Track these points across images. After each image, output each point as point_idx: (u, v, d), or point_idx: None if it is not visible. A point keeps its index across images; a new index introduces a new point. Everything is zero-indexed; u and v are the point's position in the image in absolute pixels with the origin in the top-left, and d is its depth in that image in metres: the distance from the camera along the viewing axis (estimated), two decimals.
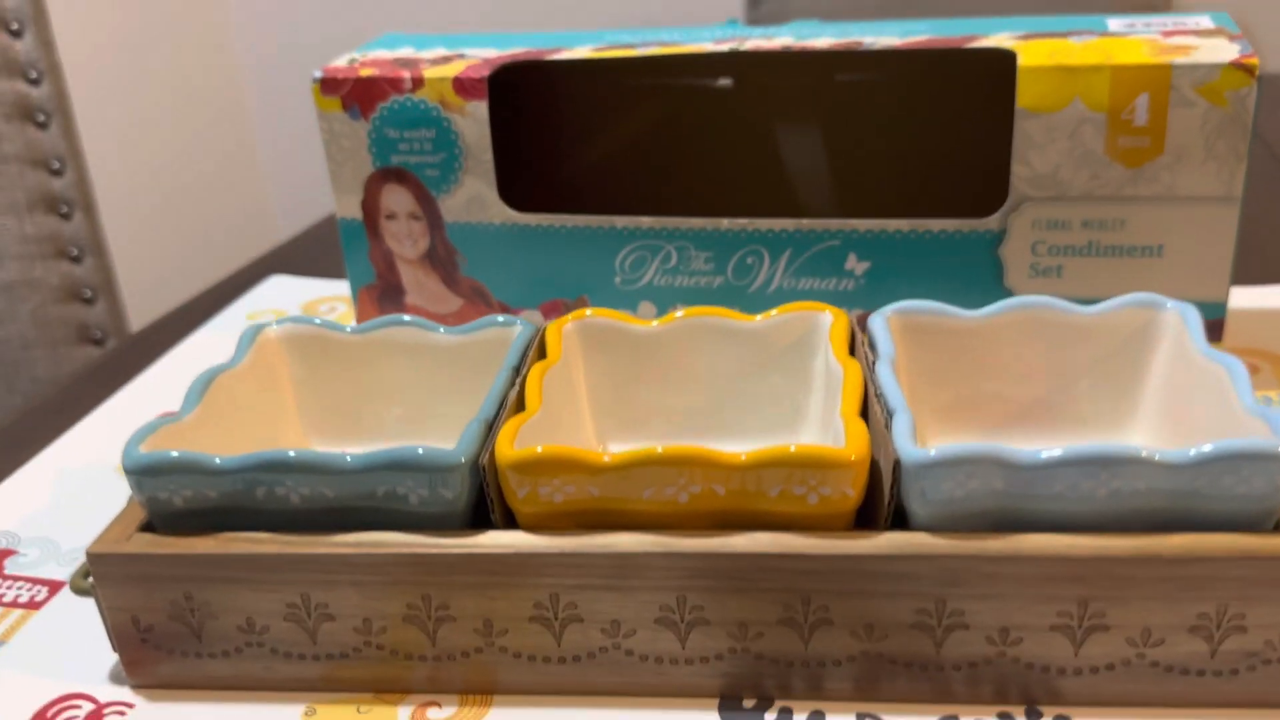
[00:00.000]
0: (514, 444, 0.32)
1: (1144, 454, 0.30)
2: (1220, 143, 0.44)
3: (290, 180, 1.62)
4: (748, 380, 0.40)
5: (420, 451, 0.32)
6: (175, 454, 0.33)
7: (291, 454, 0.33)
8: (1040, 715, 0.32)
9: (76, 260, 1.00)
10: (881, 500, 0.32)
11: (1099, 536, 0.30)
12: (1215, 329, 0.47)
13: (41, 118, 0.97)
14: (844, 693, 0.32)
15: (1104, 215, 0.46)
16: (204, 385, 0.37)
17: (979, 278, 0.48)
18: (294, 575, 0.33)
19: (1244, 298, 0.57)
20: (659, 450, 0.31)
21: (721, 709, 0.33)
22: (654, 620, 0.32)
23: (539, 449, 0.32)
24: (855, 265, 0.50)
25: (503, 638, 0.33)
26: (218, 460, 0.33)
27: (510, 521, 0.33)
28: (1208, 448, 0.30)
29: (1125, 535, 0.30)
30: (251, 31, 1.59)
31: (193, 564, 0.33)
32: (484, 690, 0.34)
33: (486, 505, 0.33)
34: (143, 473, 0.33)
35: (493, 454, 0.32)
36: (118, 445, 0.50)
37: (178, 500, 0.34)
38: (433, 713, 0.33)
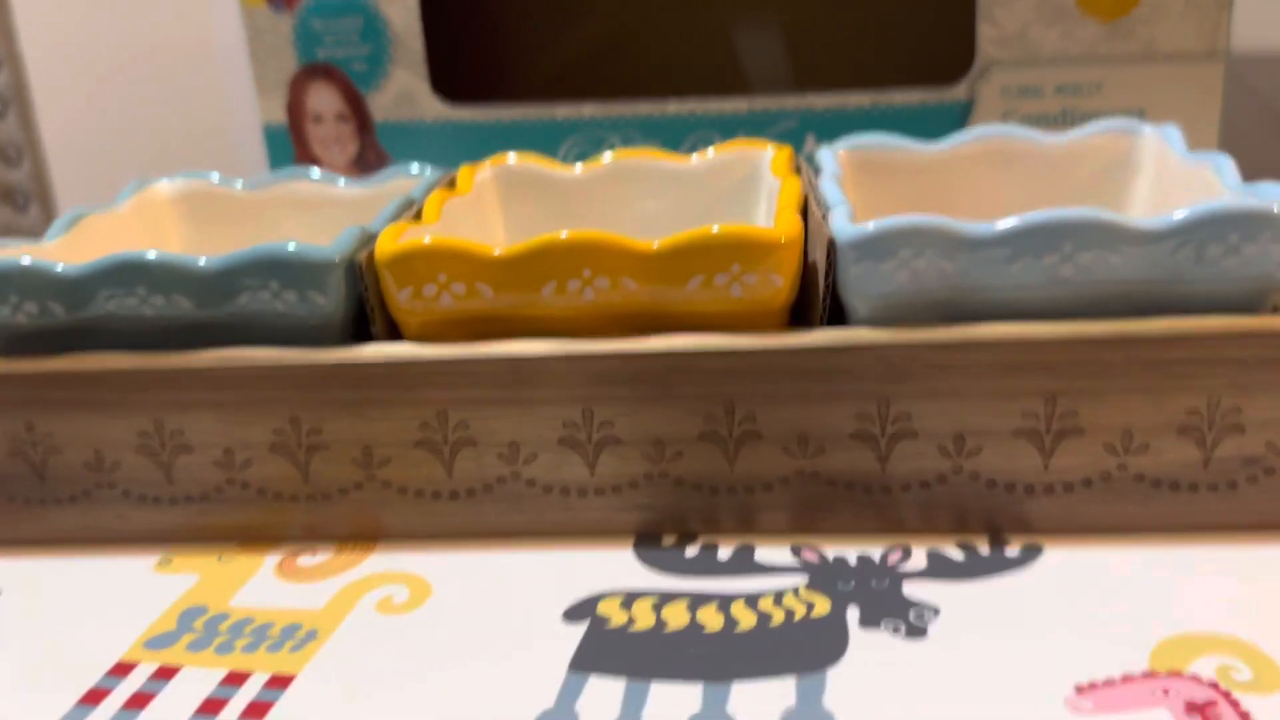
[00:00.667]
0: (397, 239, 0.28)
1: (1117, 220, 0.26)
2: None
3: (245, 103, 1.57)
4: (685, 226, 0.36)
5: (289, 248, 0.28)
6: (17, 260, 0.29)
7: (145, 254, 0.28)
8: (1006, 543, 0.27)
9: (13, 163, 0.96)
10: (817, 300, 0.28)
11: (1068, 322, 0.26)
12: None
13: None
14: (777, 523, 0.28)
15: (1078, 79, 0.42)
16: (72, 220, 0.33)
17: None
18: (145, 395, 0.29)
19: None
20: (560, 236, 0.27)
21: (638, 546, 0.28)
22: (557, 440, 0.28)
23: (425, 239, 0.28)
24: (815, 148, 0.46)
25: (385, 469, 0.29)
26: (60, 267, 0.29)
27: (395, 335, 0.29)
28: (1192, 209, 0.26)
29: (1098, 320, 0.26)
30: None
31: (33, 384, 0.29)
32: (367, 536, 0.29)
33: (367, 318, 0.29)
34: None
35: (371, 253, 0.28)
36: None
37: (20, 317, 0.29)
38: (305, 559, 0.29)
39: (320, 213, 0.37)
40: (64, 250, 0.32)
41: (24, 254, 0.30)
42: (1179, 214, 0.26)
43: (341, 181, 0.37)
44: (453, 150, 0.49)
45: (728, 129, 0.46)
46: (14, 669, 0.25)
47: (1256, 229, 0.26)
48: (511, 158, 0.36)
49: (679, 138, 0.46)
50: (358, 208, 0.37)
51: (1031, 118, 0.43)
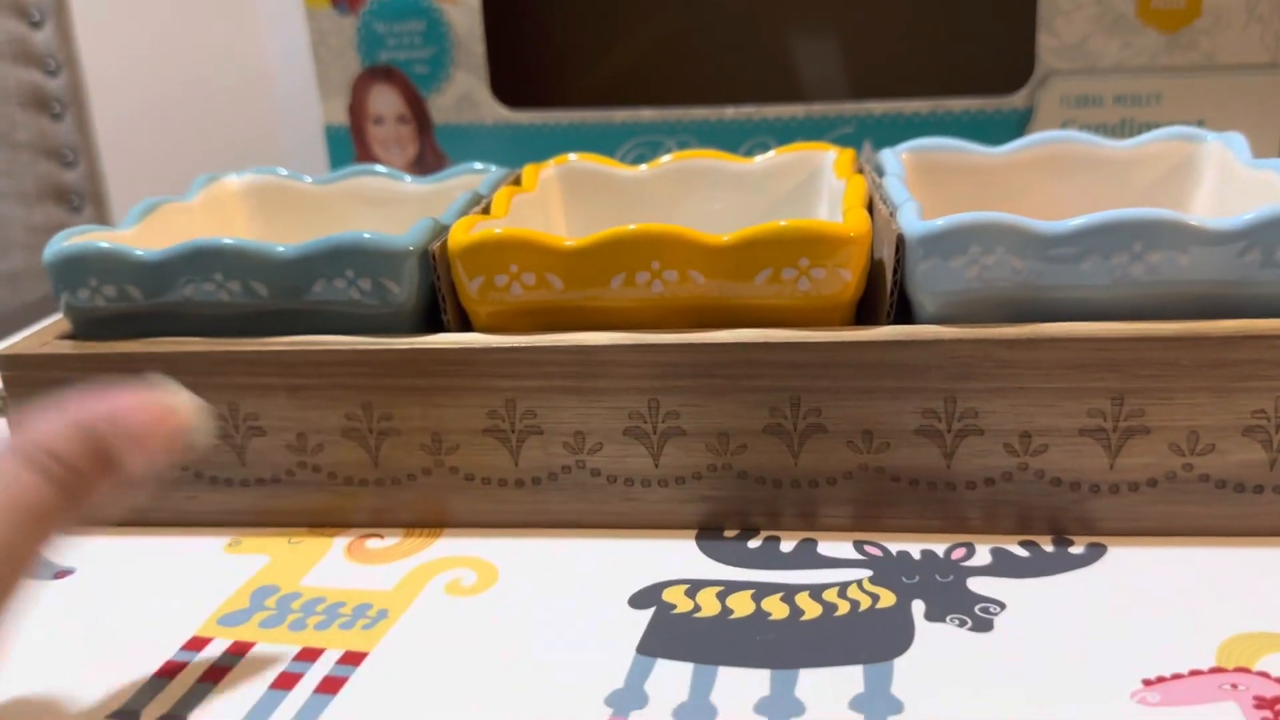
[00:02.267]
0: (470, 231, 0.29)
1: (1187, 220, 0.26)
2: (1264, 2, 0.40)
3: (299, 102, 1.58)
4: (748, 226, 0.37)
5: (365, 236, 0.29)
6: (100, 244, 0.30)
7: (223, 241, 0.29)
8: (1070, 543, 0.27)
9: (75, 209, 0.98)
10: (885, 296, 0.28)
11: (1137, 323, 0.26)
12: None
13: (37, 15, 0.96)
14: (841, 519, 0.28)
15: (1138, 89, 0.42)
16: (147, 209, 0.34)
17: None
18: (219, 380, 0.29)
19: None
20: (630, 228, 0.28)
21: (700, 539, 0.28)
22: (623, 431, 0.28)
23: (497, 229, 0.28)
24: (871, 156, 0.46)
25: (453, 455, 0.29)
26: (140, 252, 0.30)
27: (465, 325, 0.30)
28: (1260, 211, 0.26)
29: (1166, 321, 0.26)
30: None
31: (109, 366, 0.30)
32: (433, 522, 0.30)
33: (439, 308, 0.30)
34: (64, 267, 0.30)
35: (444, 244, 0.29)
36: None
37: (99, 301, 0.30)
38: (373, 543, 0.29)
39: (386, 208, 0.38)
40: (139, 237, 0.33)
41: (102, 239, 0.31)
42: (1247, 216, 0.26)
43: (407, 178, 0.38)
44: (511, 153, 0.49)
45: (784, 134, 0.46)
46: (90, 643, 0.26)
47: None
48: (574, 157, 0.37)
49: (736, 143, 0.47)
50: (423, 203, 0.37)
51: (1090, 127, 0.43)
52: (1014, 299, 0.27)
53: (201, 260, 0.29)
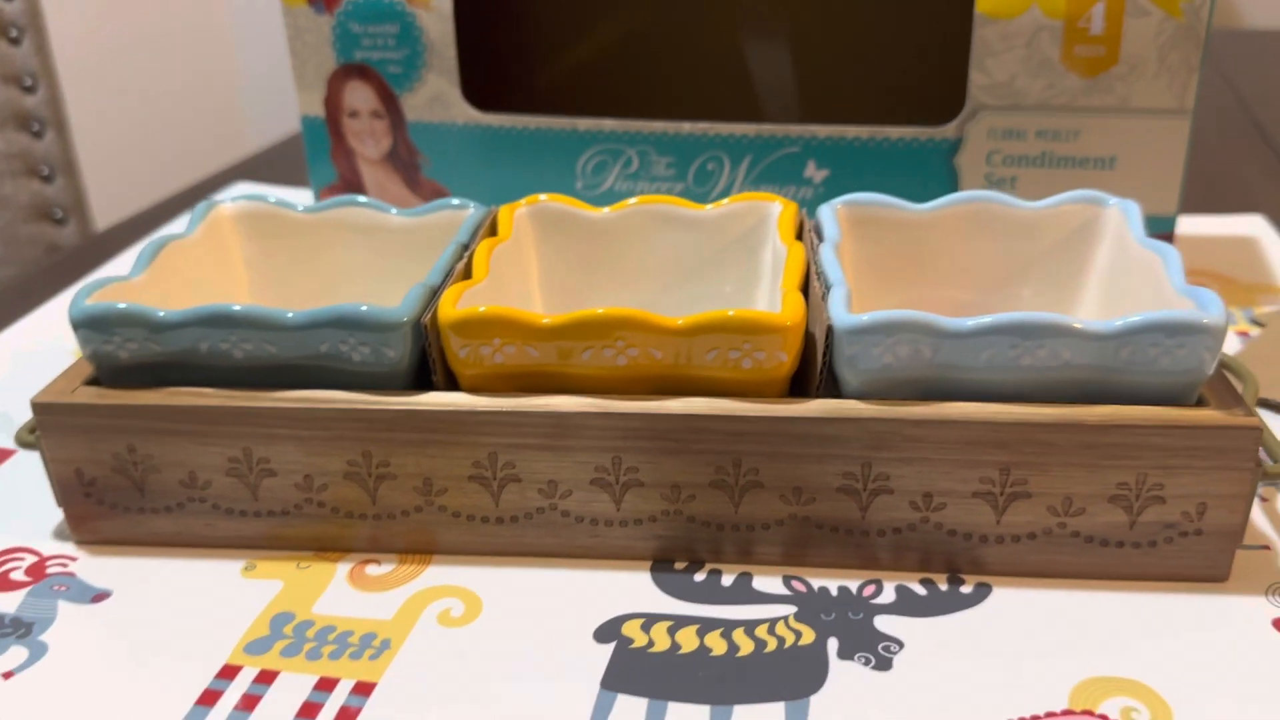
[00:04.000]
0: (456, 305, 0.33)
1: (1070, 323, 0.31)
2: (1174, 54, 0.44)
3: (265, 98, 1.59)
4: (698, 269, 0.41)
5: (364, 309, 0.33)
6: (121, 305, 0.33)
7: (235, 308, 0.33)
8: (962, 582, 0.33)
9: (47, 179, 1.00)
10: (815, 370, 0.32)
11: (1023, 405, 0.31)
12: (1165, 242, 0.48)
13: (14, 32, 0.97)
14: (773, 556, 0.33)
15: (1059, 125, 0.47)
16: (154, 251, 0.38)
17: (935, 187, 0.48)
18: (236, 428, 0.33)
19: (1196, 225, 0.58)
20: (599, 311, 0.32)
21: (654, 570, 0.33)
22: (590, 481, 0.33)
23: (481, 308, 0.32)
24: (814, 173, 0.50)
25: (442, 497, 0.34)
26: (161, 313, 0.33)
27: (452, 384, 0.34)
28: (1133, 318, 0.30)
29: (1049, 405, 0.31)
30: None
31: (136, 415, 0.33)
32: (423, 550, 0.34)
33: (429, 368, 0.34)
34: (89, 324, 0.33)
35: (435, 314, 0.33)
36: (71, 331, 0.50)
37: (123, 354, 0.34)
38: (371, 569, 0.34)
39: (372, 237, 0.41)
40: (151, 283, 0.36)
41: (121, 297, 0.34)
42: (1123, 320, 0.30)
43: (392, 210, 0.41)
44: (481, 153, 0.53)
45: (736, 150, 0.50)
46: (134, 669, 0.31)
47: (1188, 335, 0.30)
48: (544, 198, 0.41)
49: (691, 155, 0.50)
50: (407, 235, 0.41)
51: (1013, 158, 0.47)
52: (923, 379, 0.32)
53: (216, 321, 0.33)
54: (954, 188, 0.48)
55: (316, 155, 0.55)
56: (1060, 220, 0.39)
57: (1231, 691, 0.28)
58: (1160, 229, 0.48)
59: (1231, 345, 0.46)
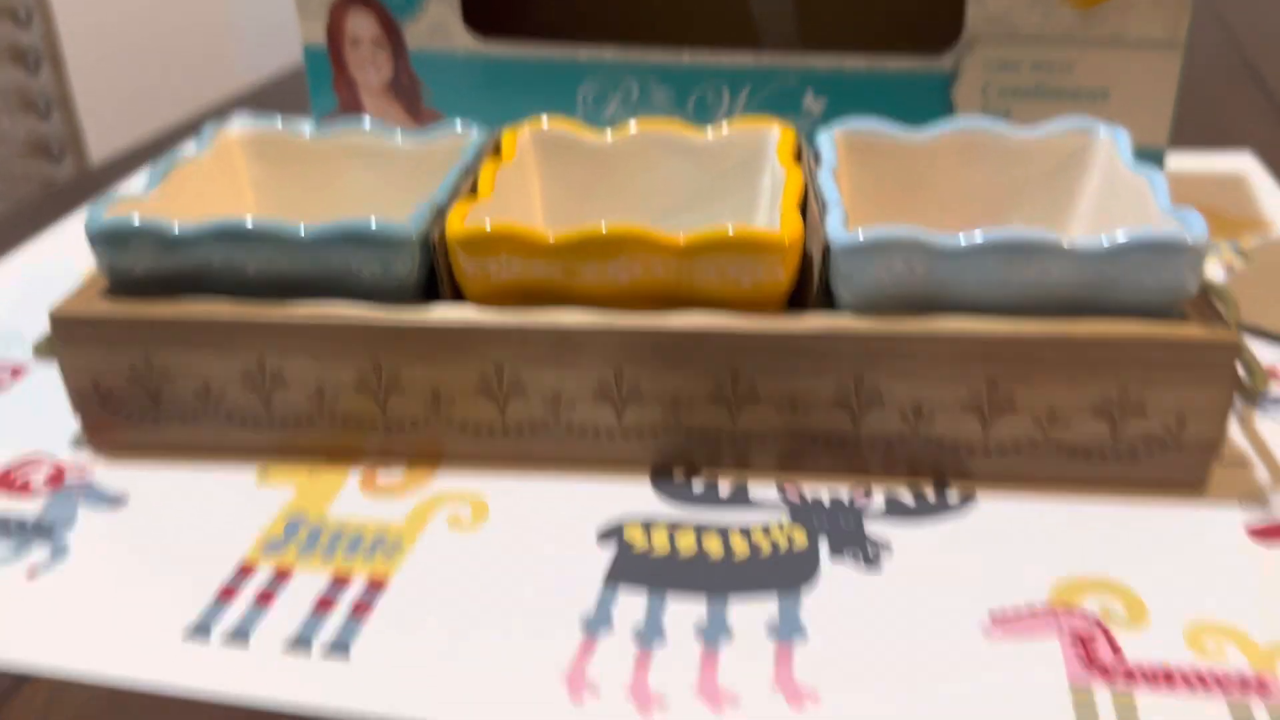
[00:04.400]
0: (464, 221, 0.33)
1: (1058, 241, 0.32)
2: None
3: (260, 33, 1.59)
4: (699, 193, 0.42)
5: (373, 225, 0.33)
6: (136, 220, 0.34)
7: (249, 223, 0.34)
8: (949, 491, 0.34)
9: (44, 115, 0.99)
10: (811, 287, 0.34)
11: (1011, 320, 0.32)
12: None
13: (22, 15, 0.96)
14: (768, 466, 0.34)
15: (1053, 58, 0.47)
16: (165, 170, 0.38)
17: (932, 118, 0.49)
18: (250, 341, 0.34)
19: (1186, 161, 0.59)
20: (602, 228, 0.33)
21: (654, 479, 0.35)
22: (593, 394, 0.34)
23: (487, 225, 0.33)
24: (813, 104, 0.51)
25: (450, 408, 0.35)
26: (177, 228, 0.34)
27: (459, 299, 0.35)
28: (1121, 237, 0.31)
29: (1036, 319, 0.32)
30: None
31: (151, 327, 0.34)
32: (431, 460, 0.36)
33: (436, 283, 0.35)
34: (105, 238, 0.34)
35: (443, 231, 0.34)
36: (77, 254, 0.51)
37: (138, 269, 0.35)
38: (382, 476, 0.35)
39: (376, 161, 0.42)
40: (163, 199, 0.37)
41: (135, 211, 0.35)
42: (1115, 238, 0.31)
43: (398, 134, 0.42)
44: (481, 83, 0.53)
45: (736, 81, 0.51)
46: (155, 567, 0.32)
47: (1172, 253, 0.31)
48: (546, 122, 0.41)
49: (690, 86, 0.51)
50: (411, 159, 0.42)
51: (1008, 90, 0.48)
52: (916, 296, 0.33)
53: (230, 236, 0.34)
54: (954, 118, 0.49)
55: (319, 85, 0.56)
56: (1052, 147, 0.40)
57: (1203, 590, 0.30)
58: (1151, 160, 0.48)
59: (1217, 275, 0.47)
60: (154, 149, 0.66)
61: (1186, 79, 0.72)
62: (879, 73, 0.49)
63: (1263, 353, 0.41)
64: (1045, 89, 0.48)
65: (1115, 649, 0.28)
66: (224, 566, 0.32)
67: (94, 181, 0.61)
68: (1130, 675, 0.27)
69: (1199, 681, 0.27)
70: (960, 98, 0.49)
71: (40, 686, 0.28)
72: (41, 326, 0.45)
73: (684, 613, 0.30)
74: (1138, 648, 0.28)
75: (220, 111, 0.71)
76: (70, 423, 0.38)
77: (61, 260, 0.51)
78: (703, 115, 0.52)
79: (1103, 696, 0.27)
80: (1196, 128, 0.64)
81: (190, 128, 0.69)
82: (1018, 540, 0.32)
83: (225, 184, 0.41)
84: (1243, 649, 0.28)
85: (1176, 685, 0.27)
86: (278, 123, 0.42)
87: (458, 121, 0.42)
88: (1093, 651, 0.28)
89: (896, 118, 0.49)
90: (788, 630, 0.29)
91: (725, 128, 0.41)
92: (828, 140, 0.40)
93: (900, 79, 0.49)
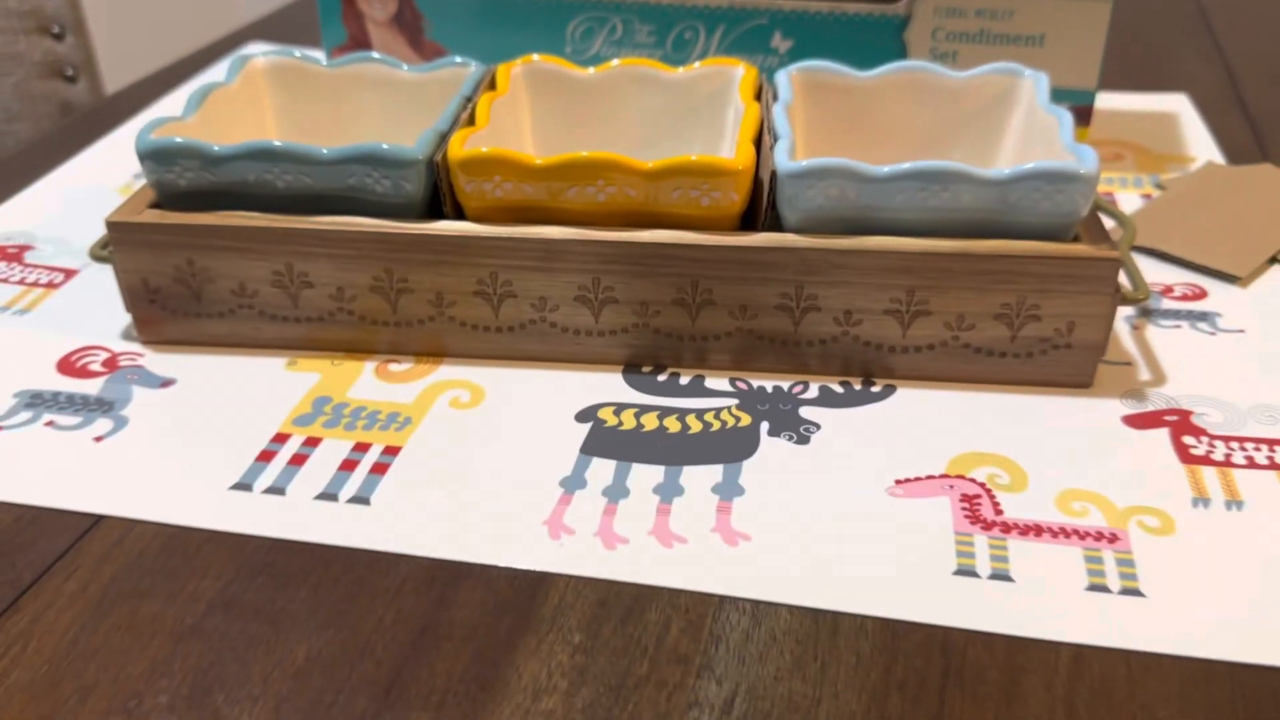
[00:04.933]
0: (463, 146, 0.39)
1: (969, 170, 0.37)
2: None
3: None
4: (672, 124, 0.47)
5: (385, 147, 0.39)
6: (181, 140, 0.40)
7: (278, 144, 0.39)
8: (873, 384, 0.40)
9: (59, 37, 1.04)
10: (762, 208, 0.39)
11: (928, 239, 0.38)
12: (1084, 114, 0.54)
13: None
14: (722, 362, 0.41)
15: (995, 5, 0.52)
16: (201, 96, 0.44)
17: (887, 59, 0.54)
18: (279, 246, 0.40)
19: (1124, 101, 0.64)
20: (583, 155, 0.38)
21: (625, 372, 0.41)
22: (573, 298, 0.40)
23: (484, 149, 0.39)
24: (780, 43, 0.56)
25: (451, 308, 0.41)
26: (216, 147, 0.40)
27: (460, 214, 0.40)
28: (1021, 167, 0.37)
29: (949, 239, 0.38)
30: None
31: (194, 233, 0.40)
32: (436, 353, 0.42)
33: (440, 200, 0.40)
34: (153, 155, 0.40)
35: (445, 154, 0.39)
36: (115, 172, 0.56)
37: (182, 182, 0.40)
38: (394, 365, 0.41)
39: (385, 90, 0.47)
40: (201, 123, 0.43)
41: (179, 133, 0.40)
42: (1011, 169, 0.37)
43: (404, 66, 0.47)
44: (479, 18, 0.58)
45: (711, 21, 0.56)
46: (201, 437, 0.38)
47: (1065, 182, 0.37)
48: (536, 59, 0.47)
49: (670, 25, 0.56)
50: (416, 88, 0.47)
51: (955, 34, 0.53)
52: (849, 218, 0.38)
53: (263, 156, 0.39)
54: (902, 60, 0.54)
55: (329, 17, 0.60)
56: (983, 88, 0.45)
57: (1078, 466, 0.36)
58: (1082, 101, 0.54)
59: (1133, 203, 0.53)
60: (168, 77, 0.70)
61: (1138, 26, 0.77)
62: (840, 16, 0.54)
63: (1163, 272, 0.47)
64: (988, 34, 0.53)
65: (997, 508, 0.34)
66: (262, 435, 0.38)
67: (113, 110, 0.66)
68: (1005, 527, 0.34)
69: (1062, 534, 0.34)
70: (912, 40, 0.54)
71: (113, 524, 0.34)
72: (86, 237, 0.50)
73: (645, 475, 0.36)
74: (1015, 507, 0.34)
75: (233, 41, 0.76)
76: (119, 318, 0.44)
77: (96, 179, 0.56)
78: (681, 51, 0.57)
79: (980, 542, 0.33)
80: (1143, 71, 0.69)
81: (204, 55, 0.73)
82: (927, 424, 0.38)
83: (251, 109, 0.46)
84: (1103, 510, 0.34)
85: (1043, 536, 0.33)
86: (295, 53, 0.47)
87: (457, 57, 0.47)
88: (977, 509, 0.34)
89: (854, 57, 0.55)
90: (728, 491, 0.35)
91: (696, 66, 0.46)
92: (785, 79, 0.45)
93: (859, 22, 0.54)
